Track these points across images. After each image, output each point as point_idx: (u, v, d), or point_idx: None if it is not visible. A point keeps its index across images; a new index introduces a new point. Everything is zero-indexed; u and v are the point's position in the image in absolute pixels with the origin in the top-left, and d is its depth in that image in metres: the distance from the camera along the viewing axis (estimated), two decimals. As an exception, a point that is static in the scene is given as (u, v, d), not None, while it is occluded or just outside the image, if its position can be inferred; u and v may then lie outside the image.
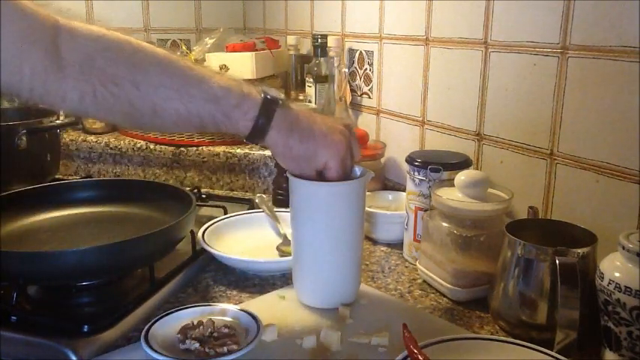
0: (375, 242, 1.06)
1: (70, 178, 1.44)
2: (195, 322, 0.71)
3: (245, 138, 0.72)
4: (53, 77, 0.62)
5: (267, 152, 1.36)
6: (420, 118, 1.16)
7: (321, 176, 0.75)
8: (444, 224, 0.84)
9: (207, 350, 0.66)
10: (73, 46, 0.63)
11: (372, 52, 1.29)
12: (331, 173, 0.74)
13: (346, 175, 0.76)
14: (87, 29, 0.65)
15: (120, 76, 0.64)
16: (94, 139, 1.50)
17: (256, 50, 1.45)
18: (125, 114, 0.67)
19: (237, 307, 0.76)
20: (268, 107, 0.70)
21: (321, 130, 0.74)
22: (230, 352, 0.65)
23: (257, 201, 1.14)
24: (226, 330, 0.70)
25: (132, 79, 0.65)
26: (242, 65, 1.40)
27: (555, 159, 0.87)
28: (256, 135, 0.71)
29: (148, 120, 0.68)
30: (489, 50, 0.97)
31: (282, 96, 0.73)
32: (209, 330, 0.69)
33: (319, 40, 1.37)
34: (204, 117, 0.69)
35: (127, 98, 0.65)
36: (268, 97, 0.71)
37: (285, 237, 1.01)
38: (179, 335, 0.69)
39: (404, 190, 0.99)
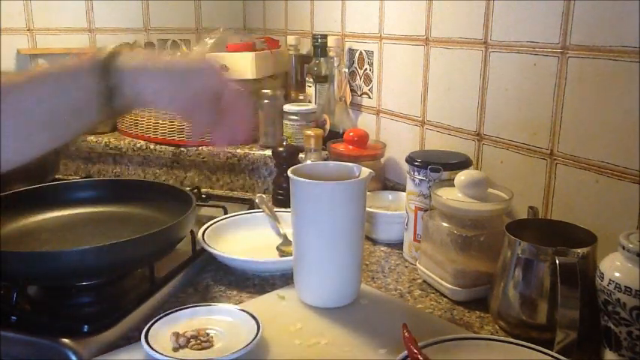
0: (375, 242, 1.06)
1: (70, 178, 1.44)
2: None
3: (99, 75, 0.61)
4: None
5: (267, 152, 1.36)
6: (420, 118, 1.16)
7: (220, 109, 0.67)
8: (444, 224, 0.84)
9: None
10: None
11: (372, 52, 1.29)
12: (228, 89, 0.67)
13: (244, 95, 0.69)
14: None
15: None
16: (94, 139, 1.50)
17: (256, 50, 1.45)
18: None
19: (237, 307, 0.76)
20: (113, 52, 0.64)
21: (180, 57, 0.68)
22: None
23: (257, 201, 1.14)
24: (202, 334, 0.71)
25: None
26: (242, 65, 1.40)
27: (555, 159, 0.87)
28: (109, 62, 0.62)
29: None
30: (489, 50, 0.97)
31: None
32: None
33: (319, 40, 1.37)
34: (48, 78, 0.63)
35: None
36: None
37: (285, 237, 1.01)
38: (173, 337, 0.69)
39: (404, 190, 0.99)
